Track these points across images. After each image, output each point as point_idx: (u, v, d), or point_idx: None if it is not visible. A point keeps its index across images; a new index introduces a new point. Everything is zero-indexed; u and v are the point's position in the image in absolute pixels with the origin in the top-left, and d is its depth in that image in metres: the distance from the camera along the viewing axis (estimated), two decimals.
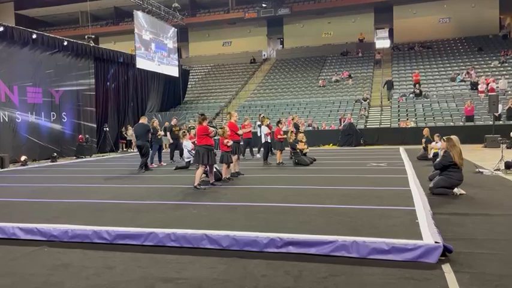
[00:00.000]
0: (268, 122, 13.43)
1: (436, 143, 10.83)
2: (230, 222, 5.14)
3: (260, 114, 16.79)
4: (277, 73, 32.86)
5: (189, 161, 11.94)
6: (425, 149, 12.59)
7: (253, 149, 15.38)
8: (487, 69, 26.18)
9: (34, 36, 17.13)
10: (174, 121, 15.11)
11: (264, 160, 12.65)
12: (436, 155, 9.91)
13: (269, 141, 12.78)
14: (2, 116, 15.86)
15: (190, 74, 33.18)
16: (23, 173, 12.66)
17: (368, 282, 3.34)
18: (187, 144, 12.00)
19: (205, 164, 8.20)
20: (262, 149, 13.45)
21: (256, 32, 37.55)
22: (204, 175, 8.80)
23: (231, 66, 36.24)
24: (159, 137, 13.26)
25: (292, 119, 15.26)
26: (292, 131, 12.69)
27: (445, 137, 7.04)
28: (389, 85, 25.34)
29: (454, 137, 6.96)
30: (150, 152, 12.48)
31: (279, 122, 13.08)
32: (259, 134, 13.58)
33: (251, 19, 35.71)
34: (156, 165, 12.96)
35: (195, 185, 8.06)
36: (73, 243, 4.62)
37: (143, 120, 11.94)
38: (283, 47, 38.19)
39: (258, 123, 15.67)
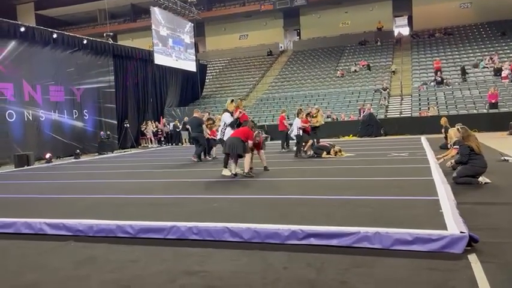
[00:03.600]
0: (304, 116, 12.65)
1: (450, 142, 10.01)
2: (251, 215, 5.15)
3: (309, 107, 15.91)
4: (294, 65, 32.64)
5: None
6: (446, 138, 12.32)
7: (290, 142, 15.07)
8: (511, 55, 25.41)
9: (54, 35, 17.46)
10: (205, 116, 15.06)
11: (296, 153, 12.43)
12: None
13: (301, 134, 12.39)
14: (26, 114, 16.26)
15: (208, 69, 33.27)
16: (47, 170, 12.97)
17: (392, 274, 3.30)
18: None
19: (239, 156, 8.55)
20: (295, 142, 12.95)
21: (273, 24, 37.32)
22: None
23: (248, 60, 36.17)
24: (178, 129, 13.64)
25: (318, 111, 14.79)
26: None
27: (459, 127, 6.96)
28: (463, 71, 24.30)
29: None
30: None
31: (308, 114, 13.00)
32: (294, 133, 12.92)
33: (267, 11, 35.50)
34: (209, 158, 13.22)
35: (245, 172, 8.47)
36: (98, 238, 4.71)
37: (197, 113, 12.91)
38: (300, 38, 37.88)
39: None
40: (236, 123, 9.36)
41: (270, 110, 24.89)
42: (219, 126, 10.44)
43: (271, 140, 20.28)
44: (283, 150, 14.75)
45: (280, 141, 15.51)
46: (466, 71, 24.18)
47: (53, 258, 4.16)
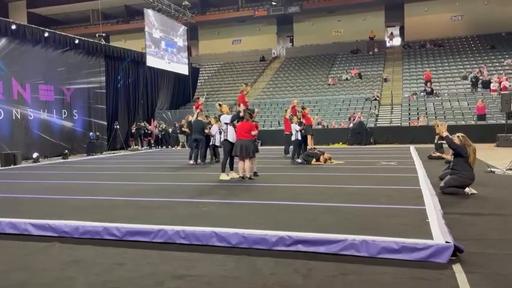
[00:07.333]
0: (298, 119, 12.27)
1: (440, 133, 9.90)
2: (239, 220, 5.14)
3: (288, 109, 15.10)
4: (286, 71, 32.77)
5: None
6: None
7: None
8: (499, 68, 25.83)
9: (46, 34, 17.30)
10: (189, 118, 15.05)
11: (292, 158, 12.29)
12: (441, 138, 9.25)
13: (300, 138, 12.11)
14: (14, 113, 16.06)
15: (200, 72, 33.22)
16: (34, 169, 12.81)
17: (378, 282, 3.33)
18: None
19: (250, 157, 8.68)
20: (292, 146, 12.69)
21: (266, 30, 37.47)
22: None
23: (240, 64, 36.22)
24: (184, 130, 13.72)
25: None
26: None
27: (460, 135, 6.88)
28: (475, 83, 23.91)
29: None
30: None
31: (303, 108, 13.04)
32: (294, 137, 12.32)
33: (261, 17, 35.66)
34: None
35: (247, 176, 8.69)
36: (84, 240, 4.67)
37: (201, 117, 13.19)
38: (292, 45, 38.06)
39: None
40: (238, 118, 9.00)
41: (262, 116, 24.91)
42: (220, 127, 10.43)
43: (261, 146, 20.30)
44: (288, 155, 13.75)
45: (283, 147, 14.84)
46: (479, 84, 23.57)
47: (39, 259, 4.12)
